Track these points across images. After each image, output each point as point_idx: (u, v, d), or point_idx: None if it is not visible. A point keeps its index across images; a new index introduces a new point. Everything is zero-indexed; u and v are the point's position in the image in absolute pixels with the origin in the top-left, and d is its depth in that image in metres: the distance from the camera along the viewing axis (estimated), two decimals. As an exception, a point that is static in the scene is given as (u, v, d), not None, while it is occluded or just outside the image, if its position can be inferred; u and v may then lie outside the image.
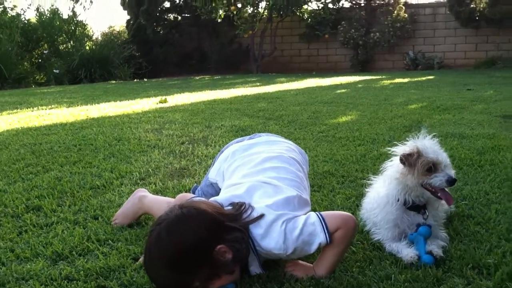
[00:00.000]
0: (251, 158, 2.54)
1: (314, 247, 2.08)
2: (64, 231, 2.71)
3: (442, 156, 2.39)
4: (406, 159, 2.40)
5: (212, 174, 2.74)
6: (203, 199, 2.30)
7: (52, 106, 8.11)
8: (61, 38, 16.65)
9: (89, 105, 8.13)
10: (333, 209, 2.95)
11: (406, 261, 2.23)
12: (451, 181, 2.34)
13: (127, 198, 3.21)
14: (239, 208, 2.11)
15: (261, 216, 2.07)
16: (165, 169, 3.92)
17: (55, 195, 3.31)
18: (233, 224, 2.04)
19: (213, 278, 1.99)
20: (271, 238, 2.05)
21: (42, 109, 7.72)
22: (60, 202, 3.21)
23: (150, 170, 3.91)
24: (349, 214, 2.19)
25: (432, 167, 2.36)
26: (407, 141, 2.50)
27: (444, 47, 16.55)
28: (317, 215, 2.11)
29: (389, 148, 2.55)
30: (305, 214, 2.15)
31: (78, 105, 8.09)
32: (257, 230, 2.06)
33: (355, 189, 3.30)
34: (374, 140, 4.80)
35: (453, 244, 2.40)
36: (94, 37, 18.36)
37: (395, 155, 2.50)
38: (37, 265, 2.29)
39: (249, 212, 2.10)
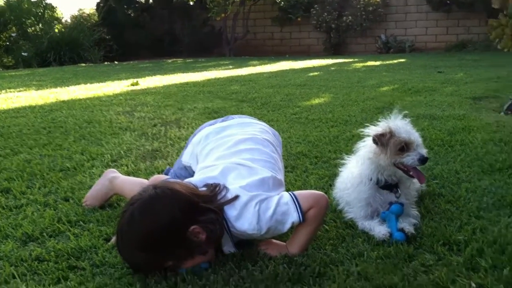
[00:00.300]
0: (225, 140, 2.52)
1: (287, 226, 2.09)
2: (34, 213, 2.66)
3: (414, 136, 2.41)
4: (379, 139, 2.42)
5: (186, 158, 2.72)
6: (178, 180, 2.28)
7: (21, 89, 7.95)
8: (29, 21, 16.31)
9: (58, 88, 7.99)
10: (307, 189, 2.96)
11: (378, 238, 2.25)
12: (423, 160, 2.37)
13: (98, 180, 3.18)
14: (214, 189, 2.10)
15: (236, 197, 2.07)
16: (137, 151, 3.88)
17: (25, 177, 3.25)
18: (208, 205, 2.03)
19: (186, 258, 1.99)
20: (245, 219, 2.05)
21: (11, 91, 7.57)
22: (29, 184, 3.15)
23: (121, 152, 3.86)
24: (321, 193, 2.20)
25: (405, 147, 2.38)
26: (380, 121, 2.52)
27: (416, 30, 16.67)
28: (290, 194, 2.12)
29: (361, 129, 2.56)
30: (279, 194, 2.16)
31: (47, 88, 7.94)
32: (231, 212, 2.06)
33: (328, 170, 3.32)
34: (347, 122, 4.83)
35: (424, 222, 2.44)
36: (63, 20, 18.04)
37: (368, 136, 2.52)
38: (7, 246, 2.25)
39: (223, 193, 2.09)
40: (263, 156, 2.40)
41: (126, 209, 2.01)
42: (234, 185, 2.13)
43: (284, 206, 2.08)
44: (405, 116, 2.52)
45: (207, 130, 2.70)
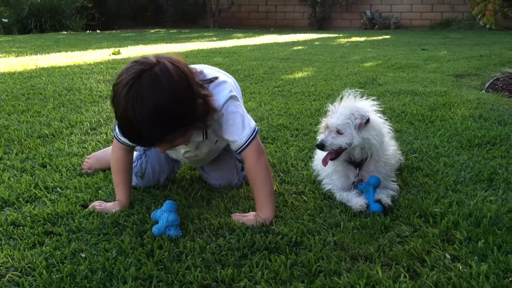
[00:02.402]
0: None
1: (229, 139, 2.23)
2: (11, 178, 2.63)
3: (332, 121, 2.41)
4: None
5: None
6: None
7: (0, 55, 7.79)
8: (10, -14, 15.93)
9: (38, 55, 7.85)
10: (287, 161, 2.97)
11: (355, 209, 2.26)
12: (317, 145, 2.43)
13: (77, 148, 3.16)
14: (197, 73, 2.13)
15: (216, 78, 2.19)
16: (117, 120, 3.83)
17: (2, 143, 3.21)
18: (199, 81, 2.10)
19: (184, 134, 2.05)
20: (218, 94, 2.16)
21: (-11, 57, 7.42)
22: (6, 150, 3.11)
23: (101, 120, 3.82)
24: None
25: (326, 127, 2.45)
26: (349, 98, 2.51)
27: (401, 7, 16.60)
28: (256, 128, 2.25)
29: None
30: None
31: (27, 55, 7.80)
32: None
33: (308, 142, 3.32)
34: (329, 96, 4.82)
35: (402, 194, 2.46)
36: (44, -14, 17.64)
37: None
38: (-18, 211, 2.23)
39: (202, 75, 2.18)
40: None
41: (129, 80, 1.89)
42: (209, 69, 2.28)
43: (246, 123, 2.21)
44: (366, 97, 2.54)
45: None
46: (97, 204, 2.29)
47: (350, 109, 2.40)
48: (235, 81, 2.81)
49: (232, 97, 2.21)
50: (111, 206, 2.28)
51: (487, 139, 3.30)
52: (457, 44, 10.18)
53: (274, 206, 2.23)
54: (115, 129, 2.31)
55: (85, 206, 2.32)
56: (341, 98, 2.49)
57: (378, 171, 2.47)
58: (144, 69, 1.90)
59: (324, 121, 2.48)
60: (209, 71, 2.30)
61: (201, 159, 2.51)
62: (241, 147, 2.20)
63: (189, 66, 2.08)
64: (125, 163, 2.37)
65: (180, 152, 2.40)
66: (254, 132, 2.22)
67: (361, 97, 2.52)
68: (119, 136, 2.27)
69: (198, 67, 2.23)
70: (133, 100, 1.86)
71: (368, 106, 2.47)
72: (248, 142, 2.20)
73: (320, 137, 2.43)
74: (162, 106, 1.88)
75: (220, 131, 2.24)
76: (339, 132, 2.38)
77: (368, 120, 2.38)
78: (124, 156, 2.36)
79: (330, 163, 2.49)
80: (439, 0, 16.05)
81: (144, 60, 1.95)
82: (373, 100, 2.53)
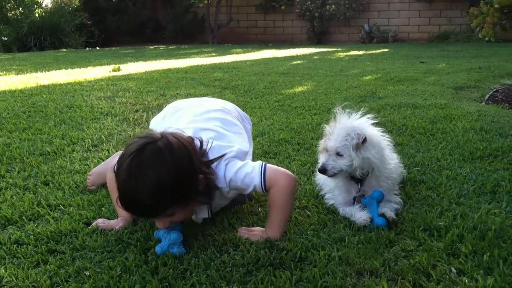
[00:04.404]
0: (196, 107, 2.60)
1: (249, 188, 2.18)
2: (13, 196, 2.63)
3: (331, 144, 2.39)
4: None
5: (154, 122, 2.76)
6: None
7: (0, 73, 7.81)
8: (9, 4, 15.99)
9: (39, 72, 7.87)
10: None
11: (359, 224, 2.26)
12: (319, 170, 2.42)
13: (79, 165, 3.16)
14: (202, 144, 2.13)
15: (223, 155, 2.16)
16: (119, 136, 3.84)
17: (4, 161, 3.21)
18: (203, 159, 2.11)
19: (183, 208, 2.04)
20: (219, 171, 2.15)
21: (-10, 76, 7.43)
22: (9, 168, 3.11)
23: (103, 137, 3.82)
24: (290, 173, 2.25)
25: (325, 150, 2.44)
26: (344, 116, 2.50)
27: (399, 20, 16.69)
28: (261, 162, 2.20)
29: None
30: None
31: (27, 73, 7.82)
32: None
33: (310, 156, 3.32)
34: (330, 110, 4.80)
35: (406, 208, 2.45)
36: (43, 4, 17.71)
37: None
38: (-15, 230, 2.22)
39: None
40: (232, 127, 2.49)
41: (132, 152, 1.93)
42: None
43: (249, 167, 2.17)
44: (364, 114, 2.52)
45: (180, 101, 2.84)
46: (100, 222, 2.29)
47: (346, 129, 2.38)
48: (238, 109, 2.84)
49: (229, 161, 2.19)
50: (115, 223, 2.28)
51: (489, 152, 3.31)
52: (455, 56, 10.22)
53: (284, 229, 2.21)
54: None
55: (88, 223, 2.31)
56: (335, 117, 2.48)
57: (380, 185, 2.46)
58: (148, 142, 1.95)
59: (322, 144, 2.47)
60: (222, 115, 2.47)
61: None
62: (261, 186, 2.16)
63: (194, 141, 2.11)
64: None
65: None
66: (262, 167, 2.18)
67: (356, 112, 2.51)
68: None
69: (212, 107, 2.43)
70: (134, 170, 1.90)
71: (364, 123, 2.46)
72: (263, 180, 2.15)
73: (320, 161, 2.44)
74: (162, 179, 1.90)
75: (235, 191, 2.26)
76: (338, 154, 2.37)
77: (365, 140, 2.37)
78: None
79: (331, 179, 2.49)
80: (437, 13, 16.14)
81: (149, 134, 2.03)
82: (368, 114, 2.52)
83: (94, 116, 4.55)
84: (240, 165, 2.18)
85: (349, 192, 2.48)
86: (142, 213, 2.06)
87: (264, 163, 2.20)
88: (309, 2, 16.89)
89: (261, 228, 2.22)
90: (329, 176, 2.42)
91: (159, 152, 1.93)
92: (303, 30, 17.65)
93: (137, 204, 1.94)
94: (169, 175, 1.91)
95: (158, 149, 1.93)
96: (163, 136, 1.99)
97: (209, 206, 2.23)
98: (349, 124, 2.41)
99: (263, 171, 2.16)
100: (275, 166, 2.25)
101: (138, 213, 2.08)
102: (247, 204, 2.56)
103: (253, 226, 2.29)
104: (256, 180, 2.15)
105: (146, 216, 2.12)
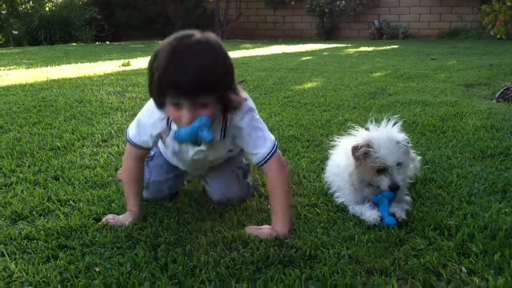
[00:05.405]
0: None
1: (251, 151, 2.24)
2: (24, 191, 2.64)
3: (391, 158, 2.31)
4: (353, 152, 2.38)
5: None
6: None
7: (11, 67, 7.84)
8: (20, -2, 16.07)
9: (49, 66, 7.90)
10: (298, 172, 2.96)
11: (369, 222, 2.25)
12: (393, 188, 2.33)
13: (89, 160, 3.17)
14: None
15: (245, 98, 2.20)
16: (128, 131, 3.84)
17: (14, 155, 3.22)
18: None
19: (218, 102, 2.04)
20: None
21: (1, 70, 7.46)
22: (19, 162, 3.12)
23: (112, 132, 3.83)
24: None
25: (379, 169, 2.34)
26: (367, 127, 2.48)
27: (409, 16, 16.60)
28: (275, 141, 2.26)
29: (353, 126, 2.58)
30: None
31: (37, 67, 7.85)
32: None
33: (320, 153, 3.31)
34: (339, 106, 4.82)
35: (416, 206, 2.44)
36: (54, -2, 17.78)
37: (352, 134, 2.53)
38: (-4, 224, 2.23)
39: None
40: None
41: (184, 35, 2.03)
42: None
43: (267, 134, 2.25)
44: (395, 123, 2.47)
45: None
46: (110, 218, 2.29)
47: (392, 140, 2.33)
48: None
49: (254, 109, 2.26)
50: (124, 219, 2.28)
51: (499, 150, 3.29)
52: (466, 53, 10.16)
53: (291, 221, 2.22)
54: (127, 134, 2.33)
55: (98, 219, 2.31)
56: (381, 124, 2.46)
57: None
58: (193, 32, 2.02)
59: (372, 164, 2.33)
60: None
61: (206, 163, 2.50)
62: (263, 159, 2.22)
63: None
64: (138, 171, 2.39)
65: (189, 154, 2.35)
66: (275, 146, 2.24)
67: (380, 122, 2.49)
68: (132, 139, 2.30)
69: None
70: (190, 47, 1.95)
71: (393, 130, 2.43)
72: (270, 154, 2.21)
73: (385, 182, 2.33)
74: (218, 57, 1.98)
75: (242, 142, 2.26)
76: (399, 164, 2.33)
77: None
78: (137, 164, 2.37)
79: (345, 178, 2.48)
80: (447, 9, 16.03)
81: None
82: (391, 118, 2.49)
83: (104, 111, 4.56)
84: (260, 125, 2.24)
85: (359, 191, 2.46)
86: (187, 87, 1.92)
87: (277, 143, 2.27)
88: (319, -2, 16.82)
89: (269, 226, 2.22)
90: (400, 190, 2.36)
91: (207, 36, 2.01)
92: (313, 25, 17.59)
93: (188, 75, 1.91)
94: (222, 56, 2.00)
95: (206, 35, 2.01)
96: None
97: (223, 127, 2.23)
98: (389, 134, 2.37)
99: (275, 149, 2.23)
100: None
101: (183, 86, 1.93)
102: (256, 201, 2.55)
103: (262, 223, 2.29)
104: (265, 151, 2.21)
105: (188, 91, 1.94)
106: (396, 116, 2.52)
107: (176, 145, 2.31)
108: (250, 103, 2.25)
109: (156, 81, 1.98)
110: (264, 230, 2.18)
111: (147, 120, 2.25)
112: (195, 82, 1.91)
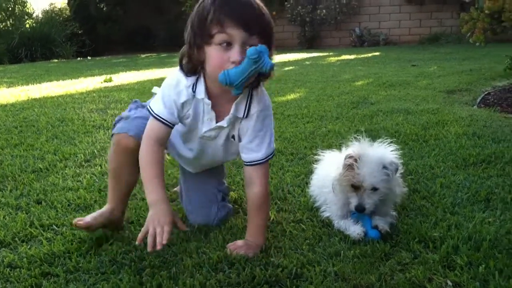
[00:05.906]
0: None
1: (250, 148, 2.21)
2: (6, 216, 2.61)
3: (369, 180, 2.28)
4: (344, 159, 2.36)
5: None
6: None
7: (-9, 86, 7.79)
8: (-1, 16, 15.99)
9: (30, 85, 7.85)
10: (283, 187, 2.96)
11: (353, 238, 2.25)
12: (359, 210, 2.32)
13: (71, 181, 3.14)
14: None
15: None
16: (111, 150, 3.82)
17: (-4, 179, 3.19)
18: None
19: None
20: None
21: (-20, 90, 7.40)
22: (1, 186, 3.09)
23: (95, 151, 3.80)
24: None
25: (354, 186, 2.33)
26: (365, 141, 2.44)
27: (389, 23, 16.76)
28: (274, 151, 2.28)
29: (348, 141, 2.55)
30: None
31: (18, 85, 7.80)
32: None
33: (304, 167, 3.31)
34: (322, 117, 4.83)
35: (400, 218, 2.44)
36: (34, 15, 17.67)
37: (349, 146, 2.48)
38: (-23, 253, 2.20)
39: None
40: None
41: None
42: None
43: (272, 139, 2.24)
44: (394, 146, 2.48)
45: None
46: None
47: (379, 162, 2.30)
48: None
49: (271, 107, 2.28)
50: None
51: (482, 158, 3.31)
52: (446, 59, 10.26)
53: (265, 232, 2.26)
54: (151, 110, 2.16)
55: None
56: (347, 147, 2.45)
57: (386, 207, 2.43)
58: None
59: (347, 178, 2.32)
60: None
61: (208, 157, 2.41)
62: (256, 161, 2.19)
63: None
64: (161, 155, 2.16)
65: (202, 130, 2.24)
66: (272, 155, 2.24)
67: (373, 141, 2.48)
68: (159, 114, 2.14)
69: None
70: None
71: (388, 151, 2.41)
72: (264, 160, 2.20)
73: (354, 200, 2.32)
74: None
75: (243, 130, 2.22)
76: (374, 189, 2.31)
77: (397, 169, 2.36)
78: (157, 148, 2.14)
79: (331, 192, 2.47)
80: (427, 15, 16.20)
81: None
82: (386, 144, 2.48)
83: (86, 129, 4.53)
84: (271, 125, 2.24)
85: (345, 205, 2.45)
86: (249, 17, 1.95)
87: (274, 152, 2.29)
88: (300, 7, 16.92)
89: (242, 240, 2.21)
90: (366, 213, 2.33)
91: None
92: (294, 35, 17.68)
93: (253, 8, 1.97)
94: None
95: None
96: None
97: (248, 102, 2.21)
98: (380, 155, 2.34)
99: (270, 157, 2.23)
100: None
101: (245, 17, 1.95)
102: (241, 218, 2.54)
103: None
104: (262, 154, 2.19)
105: (249, 25, 1.94)
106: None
107: (191, 117, 2.20)
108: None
109: (203, 21, 2.02)
110: (238, 243, 2.19)
111: (172, 90, 2.15)
112: (258, 16, 1.98)
